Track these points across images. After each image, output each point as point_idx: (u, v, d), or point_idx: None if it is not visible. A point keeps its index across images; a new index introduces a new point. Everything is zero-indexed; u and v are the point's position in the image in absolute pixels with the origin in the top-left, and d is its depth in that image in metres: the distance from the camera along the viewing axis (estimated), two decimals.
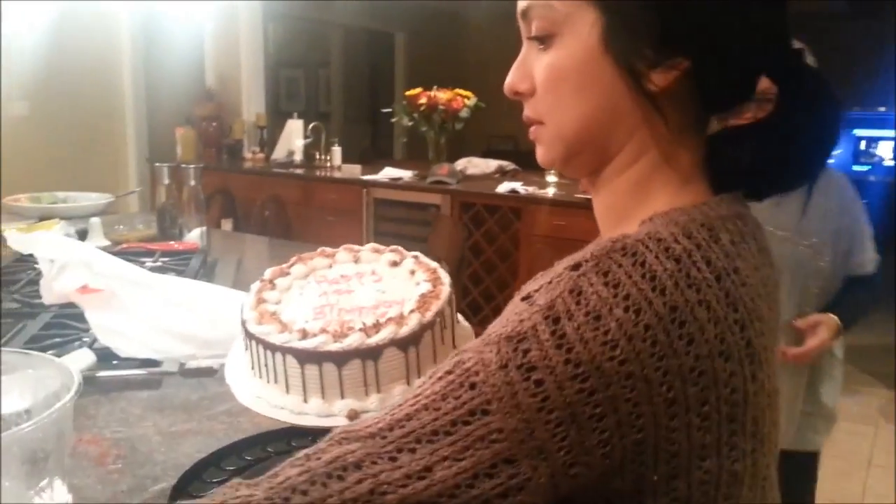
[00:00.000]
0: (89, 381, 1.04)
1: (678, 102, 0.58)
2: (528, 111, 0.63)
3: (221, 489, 0.51)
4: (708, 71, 0.56)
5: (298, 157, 4.83)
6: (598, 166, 0.63)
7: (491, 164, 4.50)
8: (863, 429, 3.41)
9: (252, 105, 5.25)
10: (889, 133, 6.09)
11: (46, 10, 4.26)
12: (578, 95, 0.59)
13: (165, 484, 0.84)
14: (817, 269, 1.68)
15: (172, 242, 1.99)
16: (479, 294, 3.81)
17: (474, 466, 0.48)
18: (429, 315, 0.74)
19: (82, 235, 1.99)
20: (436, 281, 0.81)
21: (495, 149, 7.17)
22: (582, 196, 3.49)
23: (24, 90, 4.29)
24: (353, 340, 0.70)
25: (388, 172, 4.19)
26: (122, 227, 2.13)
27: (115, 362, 1.13)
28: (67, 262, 1.18)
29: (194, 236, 2.02)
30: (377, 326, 0.72)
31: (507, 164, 4.55)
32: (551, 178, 3.97)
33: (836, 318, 1.66)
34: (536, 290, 0.53)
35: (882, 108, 5.95)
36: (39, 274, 1.23)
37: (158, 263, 1.76)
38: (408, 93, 4.12)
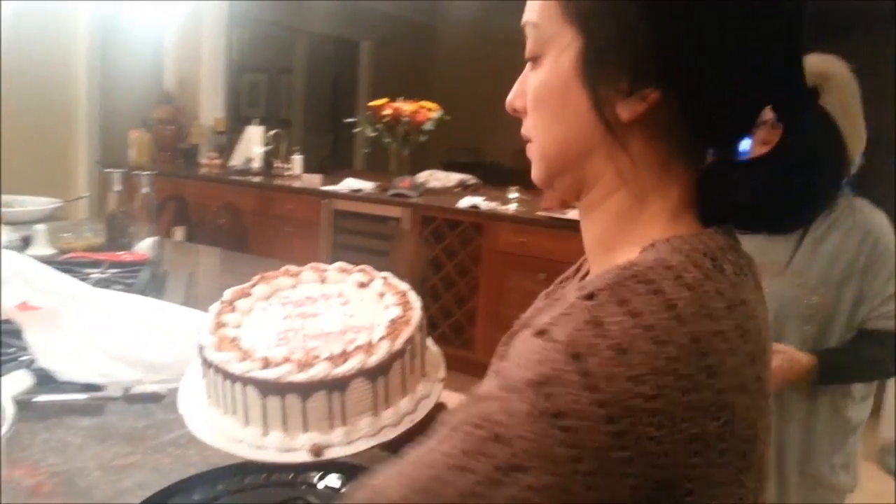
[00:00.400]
0: (25, 406, 0.97)
1: (659, 133, 0.56)
2: (523, 129, 0.63)
3: None
4: (687, 104, 0.54)
5: (257, 164, 4.74)
6: (579, 191, 0.62)
7: (453, 178, 4.48)
8: None
9: (211, 109, 5.14)
10: None
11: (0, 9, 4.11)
12: (555, 118, 0.59)
13: None
14: (808, 309, 1.46)
15: (121, 252, 1.91)
16: (437, 310, 3.78)
17: None
18: (399, 342, 0.71)
19: (26, 242, 1.90)
20: (406, 305, 0.78)
21: (457, 160, 7.17)
22: (544, 214, 3.49)
23: None
24: (318, 371, 0.66)
25: (348, 183, 4.13)
26: (69, 234, 2.04)
27: (54, 385, 1.05)
28: (5, 276, 1.11)
29: (145, 246, 1.94)
30: (345, 355, 0.68)
31: (469, 178, 4.53)
32: (513, 193, 3.98)
33: (809, 357, 1.41)
34: (551, 324, 0.49)
35: None
36: None
37: (105, 275, 1.68)
38: (372, 103, 4.08)
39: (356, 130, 4.26)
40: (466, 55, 7.35)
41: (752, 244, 0.60)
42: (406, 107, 3.95)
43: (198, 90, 5.13)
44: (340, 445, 0.67)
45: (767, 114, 0.57)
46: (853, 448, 1.56)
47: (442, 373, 0.78)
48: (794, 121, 0.56)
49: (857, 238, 1.44)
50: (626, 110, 0.54)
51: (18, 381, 1.03)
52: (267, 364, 0.67)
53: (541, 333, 0.49)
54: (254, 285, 0.84)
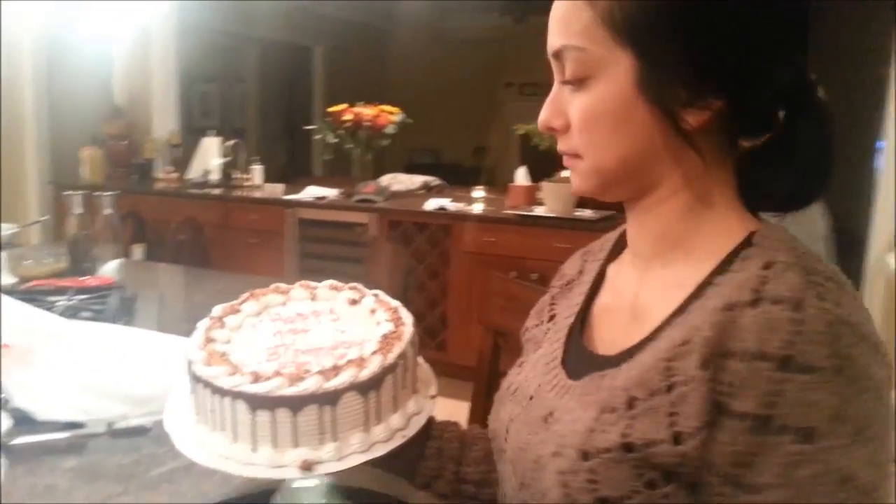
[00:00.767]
0: (4, 450, 0.92)
1: (712, 136, 0.62)
2: (563, 146, 0.67)
3: None
4: (740, 108, 0.61)
5: (215, 176, 4.64)
6: (637, 195, 0.67)
7: (416, 180, 4.46)
8: None
9: (164, 122, 5.01)
10: None
11: None
12: (615, 135, 0.62)
13: None
14: None
15: (86, 277, 1.84)
16: None
17: None
18: (391, 357, 0.70)
19: None
20: (398, 321, 0.77)
21: (417, 162, 7.16)
22: (511, 212, 3.50)
23: None
24: (310, 384, 0.66)
25: (311, 191, 4.08)
26: (29, 261, 1.96)
27: (32, 426, 1.00)
28: None
29: (110, 270, 1.87)
30: (336, 369, 0.68)
31: (433, 180, 4.52)
32: (478, 193, 3.97)
33: None
34: (783, 350, 0.52)
35: None
36: None
37: (73, 302, 1.61)
38: (331, 109, 4.02)
39: (317, 137, 4.19)
40: (421, 57, 7.34)
41: None
42: (367, 111, 3.91)
43: (149, 103, 5.00)
44: (331, 461, 0.67)
45: None
46: None
47: (433, 389, 0.79)
48: (807, 105, 0.62)
49: (803, 228, 1.59)
50: (692, 118, 0.60)
51: None
52: (257, 378, 0.67)
53: (784, 365, 0.51)
54: (243, 302, 0.83)
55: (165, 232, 4.30)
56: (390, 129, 3.94)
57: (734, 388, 0.52)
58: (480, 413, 1.41)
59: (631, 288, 0.71)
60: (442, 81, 7.46)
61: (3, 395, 1.03)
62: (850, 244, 3.16)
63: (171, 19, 4.97)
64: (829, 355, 0.51)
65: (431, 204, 3.70)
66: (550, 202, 3.40)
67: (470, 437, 0.86)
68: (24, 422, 1.00)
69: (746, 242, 0.61)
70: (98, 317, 1.55)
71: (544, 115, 0.66)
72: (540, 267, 3.07)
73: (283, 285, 0.87)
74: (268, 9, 6.08)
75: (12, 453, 0.95)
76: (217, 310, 0.81)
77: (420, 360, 0.80)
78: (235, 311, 0.81)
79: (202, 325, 0.78)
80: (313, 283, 0.87)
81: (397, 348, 0.72)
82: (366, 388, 0.67)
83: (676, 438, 0.54)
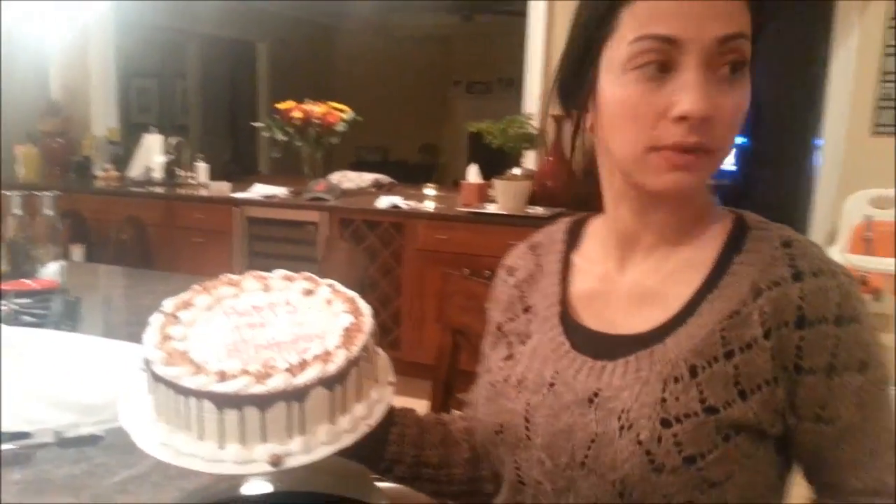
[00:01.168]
0: None
1: None
2: (704, 138, 0.64)
3: None
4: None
5: (158, 174, 4.51)
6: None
7: (366, 178, 4.41)
8: None
9: (103, 119, 4.84)
10: None
11: None
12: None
13: None
14: None
15: (27, 280, 1.76)
16: None
17: None
18: (355, 350, 0.71)
19: None
20: (356, 312, 0.77)
21: (364, 160, 7.09)
22: (463, 210, 3.49)
23: None
24: (278, 382, 0.65)
25: (259, 189, 4.00)
26: None
27: None
28: None
29: (51, 272, 1.80)
30: (303, 365, 0.68)
31: (383, 178, 4.48)
32: (430, 191, 3.96)
33: None
34: (836, 311, 0.64)
35: None
36: None
37: (13, 306, 1.54)
38: (279, 105, 3.95)
39: (266, 135, 4.10)
40: (367, 54, 7.28)
41: None
42: (316, 108, 3.85)
43: (87, 99, 4.82)
44: (300, 454, 0.67)
45: None
46: None
47: (391, 376, 0.79)
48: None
49: None
50: None
51: None
52: (223, 377, 0.66)
53: (841, 320, 0.64)
54: (194, 295, 0.81)
55: (106, 232, 4.16)
56: (340, 127, 3.90)
57: (803, 351, 0.64)
58: (440, 410, 1.40)
59: (618, 274, 0.76)
60: (389, 78, 7.42)
61: None
62: None
63: (107, 14, 4.80)
64: (859, 305, 0.65)
65: (384, 202, 3.67)
66: (503, 199, 3.41)
67: (427, 423, 0.88)
68: None
69: (740, 224, 0.71)
70: (41, 322, 1.49)
71: (707, 104, 0.62)
72: (493, 264, 3.02)
73: (233, 276, 0.85)
74: (208, 4, 5.94)
75: None
76: (168, 304, 0.79)
77: (377, 348, 0.80)
78: (188, 304, 0.79)
79: (155, 321, 0.76)
80: (264, 274, 0.86)
81: (360, 341, 0.72)
82: (332, 382, 0.68)
83: (743, 395, 0.65)
